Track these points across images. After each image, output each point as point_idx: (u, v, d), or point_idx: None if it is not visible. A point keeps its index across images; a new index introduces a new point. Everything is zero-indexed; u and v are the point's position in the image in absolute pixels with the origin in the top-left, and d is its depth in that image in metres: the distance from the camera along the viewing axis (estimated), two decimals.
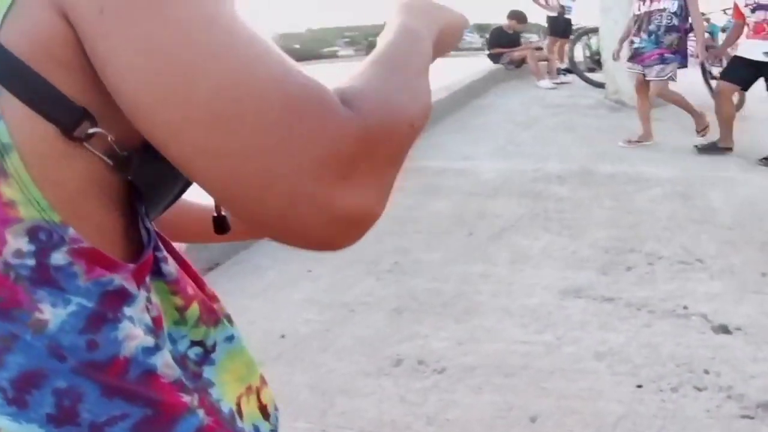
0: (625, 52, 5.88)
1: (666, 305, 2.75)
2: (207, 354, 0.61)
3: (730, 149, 5.16)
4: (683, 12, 5.42)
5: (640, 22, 5.55)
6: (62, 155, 0.46)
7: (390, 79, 0.53)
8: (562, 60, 9.61)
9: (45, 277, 0.47)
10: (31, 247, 0.46)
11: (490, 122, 5.71)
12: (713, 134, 5.31)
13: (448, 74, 6.02)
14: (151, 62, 0.41)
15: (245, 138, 0.42)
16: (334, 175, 0.44)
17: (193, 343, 0.60)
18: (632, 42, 5.66)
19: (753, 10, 5.12)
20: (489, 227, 3.78)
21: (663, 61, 5.44)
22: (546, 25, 10.37)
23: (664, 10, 5.41)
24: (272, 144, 0.42)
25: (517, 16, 9.51)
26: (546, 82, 6.19)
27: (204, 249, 3.52)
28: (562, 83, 8.30)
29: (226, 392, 0.62)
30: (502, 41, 9.53)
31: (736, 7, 5.46)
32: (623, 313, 2.73)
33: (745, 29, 5.25)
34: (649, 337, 2.53)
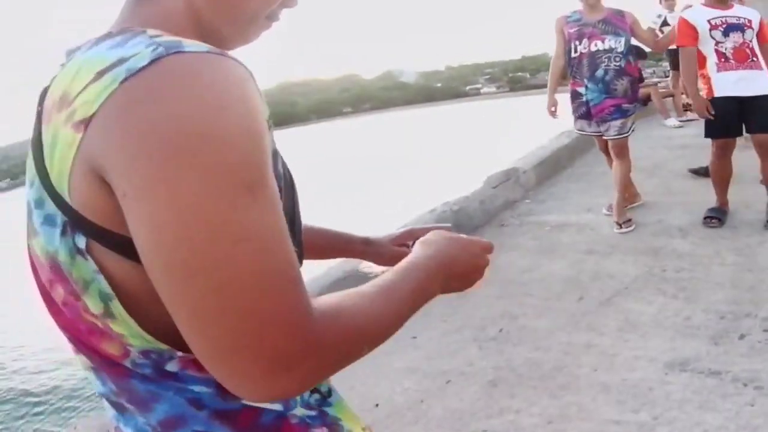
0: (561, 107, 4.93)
1: None
2: (324, 398, 0.81)
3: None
4: (630, 50, 4.56)
5: (579, 66, 4.61)
6: (154, 294, 0.60)
7: (373, 313, 0.68)
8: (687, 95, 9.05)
9: (163, 375, 0.67)
10: (146, 362, 0.67)
11: None
12: None
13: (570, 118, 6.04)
14: (154, 238, 0.57)
15: (215, 319, 0.57)
16: (280, 368, 0.58)
17: (312, 391, 0.80)
18: (575, 94, 4.73)
19: (725, 33, 4.09)
20: (601, 291, 3.80)
21: (623, 113, 4.57)
22: (668, 58, 9.89)
23: (611, 50, 4.49)
24: (236, 338, 0.57)
25: (638, 52, 9.15)
26: (672, 121, 5.97)
27: None
28: (689, 120, 7.86)
29: (353, 427, 0.84)
30: None
31: (682, 29, 4.27)
32: (728, 390, 2.68)
33: (712, 58, 4.17)
34: (749, 418, 2.49)
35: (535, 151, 6.59)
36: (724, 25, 4.09)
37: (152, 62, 0.58)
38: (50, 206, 0.63)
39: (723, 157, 4.34)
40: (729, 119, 4.19)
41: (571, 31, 4.66)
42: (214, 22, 0.72)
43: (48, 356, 6.53)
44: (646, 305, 3.52)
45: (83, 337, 0.68)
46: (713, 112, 4.17)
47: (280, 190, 0.67)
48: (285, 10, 0.79)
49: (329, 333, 0.61)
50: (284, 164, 0.77)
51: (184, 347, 0.61)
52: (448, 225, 1.07)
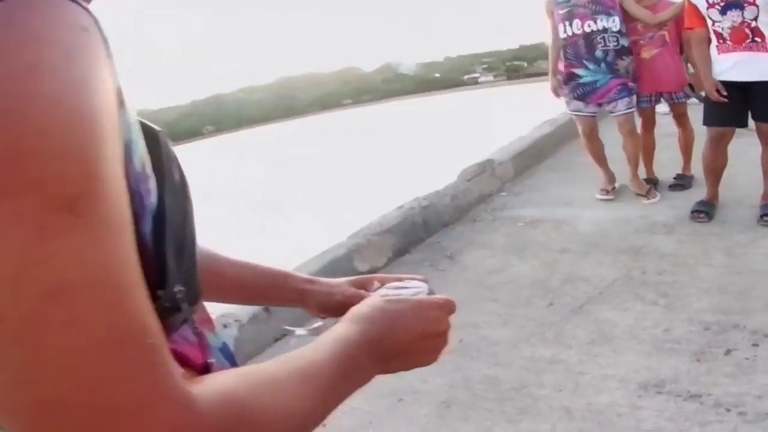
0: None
1: (761, 405, 2.35)
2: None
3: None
4: (625, 28, 4.52)
5: (575, 48, 4.60)
6: None
7: (281, 409, 0.54)
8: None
9: None
10: None
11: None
12: None
13: (553, 106, 5.73)
14: None
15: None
16: None
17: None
18: (571, 76, 4.70)
19: (723, 11, 3.74)
20: (573, 296, 3.48)
21: (629, 92, 4.62)
22: None
23: (605, 30, 4.47)
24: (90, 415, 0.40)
25: None
26: (662, 107, 5.64)
27: (273, 318, 3.56)
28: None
29: None
30: None
31: (690, 12, 3.96)
32: (708, 416, 2.37)
33: (713, 39, 3.88)
34: None
35: (514, 141, 6.27)
36: (722, 3, 3.73)
37: None
38: None
39: (717, 147, 4.03)
40: (727, 108, 3.86)
41: (561, 12, 4.61)
42: None
43: None
44: (621, 314, 3.20)
45: None
46: (725, 94, 3.84)
47: (163, 204, 0.55)
48: None
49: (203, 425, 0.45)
50: (180, 167, 0.63)
51: None
52: (422, 278, 0.93)
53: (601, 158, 4.97)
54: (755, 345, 2.72)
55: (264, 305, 1.80)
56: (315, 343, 0.64)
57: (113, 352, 0.41)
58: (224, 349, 0.72)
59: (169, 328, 0.53)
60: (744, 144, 4.31)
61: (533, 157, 6.13)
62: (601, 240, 4.16)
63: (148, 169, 0.55)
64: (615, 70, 4.56)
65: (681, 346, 2.84)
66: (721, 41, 3.83)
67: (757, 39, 3.67)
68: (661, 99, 4.78)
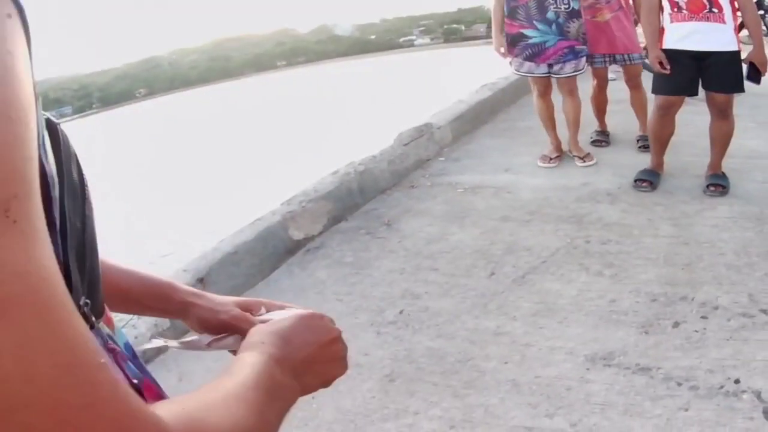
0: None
1: (713, 379, 2.34)
2: None
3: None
4: None
5: (526, 9, 4.54)
6: None
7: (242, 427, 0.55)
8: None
9: None
10: None
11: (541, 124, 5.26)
12: None
13: (492, 69, 5.64)
14: None
15: None
16: None
17: None
18: (519, 36, 4.66)
19: None
20: (515, 266, 3.42)
21: (575, 54, 4.60)
22: None
23: None
24: None
25: None
26: (611, 73, 5.66)
27: (208, 290, 3.37)
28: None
29: None
30: None
31: None
32: (659, 390, 2.34)
33: (666, 7, 3.82)
34: (682, 425, 2.14)
35: (452, 105, 6.15)
36: None
37: None
38: None
39: (665, 116, 4.01)
40: (678, 77, 3.83)
41: None
42: None
43: None
44: (565, 284, 3.15)
45: None
46: (667, 68, 3.79)
47: (63, 207, 0.53)
48: None
49: None
50: (78, 164, 0.61)
51: None
52: (293, 307, 0.94)
53: (551, 122, 4.95)
54: (704, 318, 2.71)
55: (147, 315, 1.81)
56: (229, 372, 0.63)
57: (75, 376, 0.39)
58: (127, 348, 0.74)
59: None
60: (690, 113, 4.32)
61: (472, 121, 6.03)
62: (542, 208, 4.11)
63: (55, 170, 0.53)
64: (565, 32, 4.54)
65: (628, 317, 2.81)
66: (675, 9, 3.77)
67: (715, 9, 3.64)
68: (615, 60, 4.80)
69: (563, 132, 4.94)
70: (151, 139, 14.77)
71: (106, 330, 0.67)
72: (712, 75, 3.76)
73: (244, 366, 0.65)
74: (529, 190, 4.44)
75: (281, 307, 0.96)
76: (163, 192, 7.36)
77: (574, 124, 4.86)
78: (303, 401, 2.19)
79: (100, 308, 0.64)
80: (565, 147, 4.98)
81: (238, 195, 6.28)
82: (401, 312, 3.18)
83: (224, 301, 1.00)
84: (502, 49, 4.83)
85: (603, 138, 5.18)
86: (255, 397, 0.60)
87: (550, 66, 4.69)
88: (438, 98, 6.86)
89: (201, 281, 3.42)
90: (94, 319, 0.60)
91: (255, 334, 0.73)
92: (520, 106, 5.03)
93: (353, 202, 4.55)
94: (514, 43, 4.70)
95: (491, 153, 5.38)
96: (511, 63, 4.83)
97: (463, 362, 2.71)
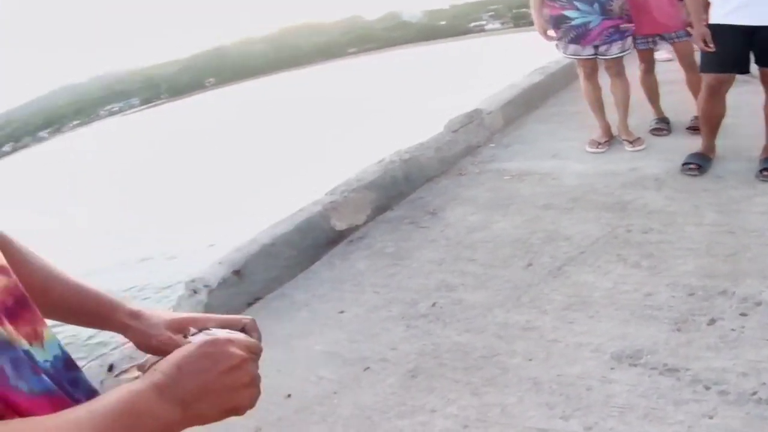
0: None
1: (746, 383, 2.16)
2: None
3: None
4: None
5: None
6: None
7: None
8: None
9: None
10: None
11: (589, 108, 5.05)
12: None
13: (544, 53, 5.45)
14: None
15: None
16: None
17: None
18: (562, 18, 4.42)
19: None
20: (553, 256, 3.28)
21: (621, 34, 4.35)
22: None
23: None
24: None
25: None
26: (662, 53, 5.31)
27: (244, 282, 3.43)
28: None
29: None
30: None
31: None
32: (684, 394, 2.19)
33: None
34: None
35: (504, 89, 5.98)
36: None
37: None
38: None
39: (715, 95, 3.74)
40: (729, 53, 3.56)
41: None
42: None
43: None
44: (601, 276, 3.01)
45: None
46: (712, 45, 3.55)
47: None
48: None
49: None
50: None
51: None
52: (249, 318, 0.97)
53: (598, 105, 4.73)
54: (743, 315, 2.52)
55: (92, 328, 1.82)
56: (107, 394, 0.66)
57: None
58: (56, 362, 0.77)
59: None
60: (744, 92, 4.05)
61: (523, 106, 5.85)
62: (586, 194, 3.92)
63: None
64: (608, 11, 4.29)
65: (662, 313, 2.65)
66: None
67: None
68: (659, 40, 4.51)
69: (612, 116, 4.72)
70: (220, 126, 15.07)
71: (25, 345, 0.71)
72: (765, 50, 3.49)
73: (114, 393, 0.66)
74: (574, 176, 4.27)
75: (223, 322, 0.95)
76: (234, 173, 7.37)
77: (623, 107, 4.64)
78: (326, 395, 2.17)
79: None
80: (614, 131, 4.76)
81: (299, 179, 6.29)
82: (434, 305, 3.11)
83: (157, 323, 1.00)
84: (549, 32, 4.57)
85: (663, 126, 4.79)
86: (103, 423, 0.63)
87: (596, 47, 4.45)
88: (494, 83, 6.68)
89: (237, 273, 3.43)
90: None
91: (161, 362, 0.74)
92: (570, 90, 4.83)
93: (398, 190, 4.48)
94: (557, 26, 4.49)
95: (540, 138, 5.21)
96: (557, 46, 4.62)
97: (487, 358, 2.62)
